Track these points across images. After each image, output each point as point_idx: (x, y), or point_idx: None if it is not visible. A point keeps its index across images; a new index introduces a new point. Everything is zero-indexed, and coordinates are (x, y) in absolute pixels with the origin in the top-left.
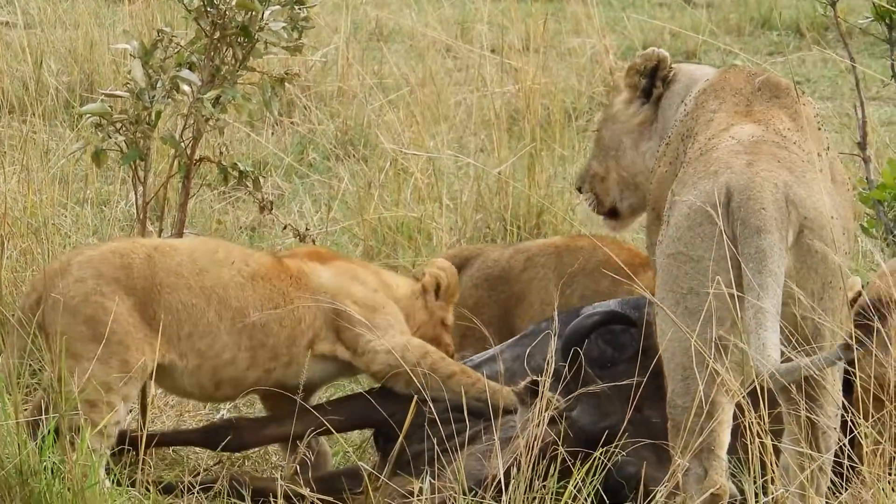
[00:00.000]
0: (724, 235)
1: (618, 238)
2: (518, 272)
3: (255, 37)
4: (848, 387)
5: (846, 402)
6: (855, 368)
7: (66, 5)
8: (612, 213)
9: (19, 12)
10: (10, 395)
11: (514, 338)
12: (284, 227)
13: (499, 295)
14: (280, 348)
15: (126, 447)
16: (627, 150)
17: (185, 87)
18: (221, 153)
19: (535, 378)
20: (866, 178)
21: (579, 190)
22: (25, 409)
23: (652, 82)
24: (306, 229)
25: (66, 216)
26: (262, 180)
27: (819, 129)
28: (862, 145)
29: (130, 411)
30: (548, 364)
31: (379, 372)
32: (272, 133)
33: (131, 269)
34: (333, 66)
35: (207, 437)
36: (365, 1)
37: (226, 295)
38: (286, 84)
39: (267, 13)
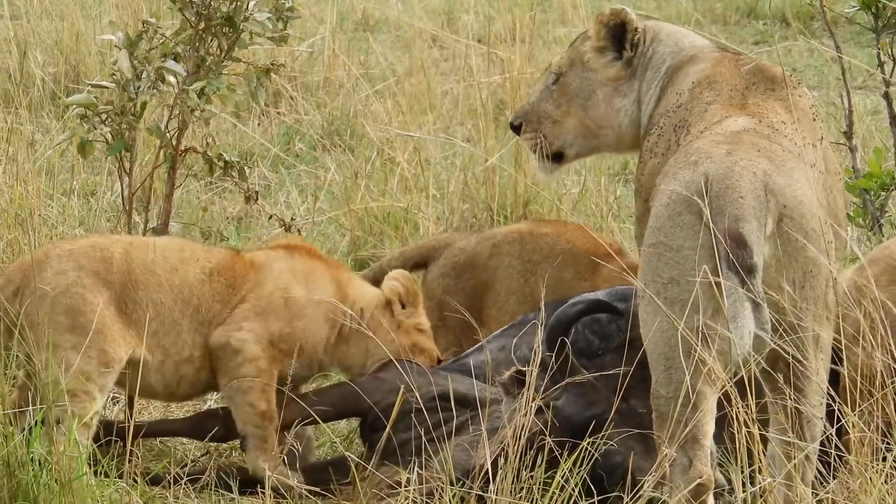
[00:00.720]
0: (710, 224)
1: (585, 226)
2: (485, 259)
3: (241, 27)
4: (835, 377)
5: (833, 392)
6: (842, 358)
7: None
8: (557, 157)
9: (5, 3)
10: None
11: (500, 329)
12: (270, 218)
13: (466, 283)
14: None
15: (113, 438)
16: (600, 103)
17: (171, 78)
18: (207, 144)
19: (520, 368)
20: (852, 168)
21: (516, 129)
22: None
23: (619, 39)
24: (292, 219)
25: (52, 207)
26: (248, 171)
27: (814, 119)
28: (848, 134)
29: (117, 403)
30: (535, 354)
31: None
32: (258, 123)
33: (111, 263)
34: (320, 56)
35: (194, 427)
36: None
37: (189, 293)
38: (272, 74)
39: (252, 3)
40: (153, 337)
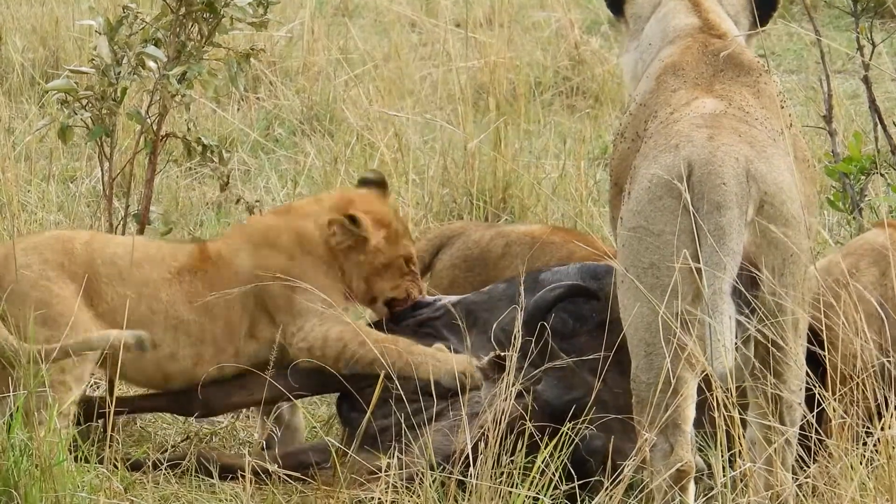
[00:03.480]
0: (690, 209)
1: (588, 234)
2: (496, 258)
3: (221, 12)
4: (817, 362)
5: (813, 377)
6: (824, 343)
7: None
8: None
9: None
10: None
11: (469, 295)
12: (237, 201)
13: (475, 277)
14: (221, 342)
15: (94, 423)
16: (621, 53)
17: (151, 64)
18: (188, 129)
19: (499, 353)
20: (832, 152)
21: None
22: None
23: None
24: (256, 201)
25: (31, 193)
26: (227, 155)
27: (782, 106)
28: (828, 118)
29: (97, 389)
30: (514, 338)
31: (308, 365)
32: (238, 109)
33: (73, 254)
34: (299, 41)
35: (175, 402)
36: None
37: (157, 291)
38: (252, 60)
39: None
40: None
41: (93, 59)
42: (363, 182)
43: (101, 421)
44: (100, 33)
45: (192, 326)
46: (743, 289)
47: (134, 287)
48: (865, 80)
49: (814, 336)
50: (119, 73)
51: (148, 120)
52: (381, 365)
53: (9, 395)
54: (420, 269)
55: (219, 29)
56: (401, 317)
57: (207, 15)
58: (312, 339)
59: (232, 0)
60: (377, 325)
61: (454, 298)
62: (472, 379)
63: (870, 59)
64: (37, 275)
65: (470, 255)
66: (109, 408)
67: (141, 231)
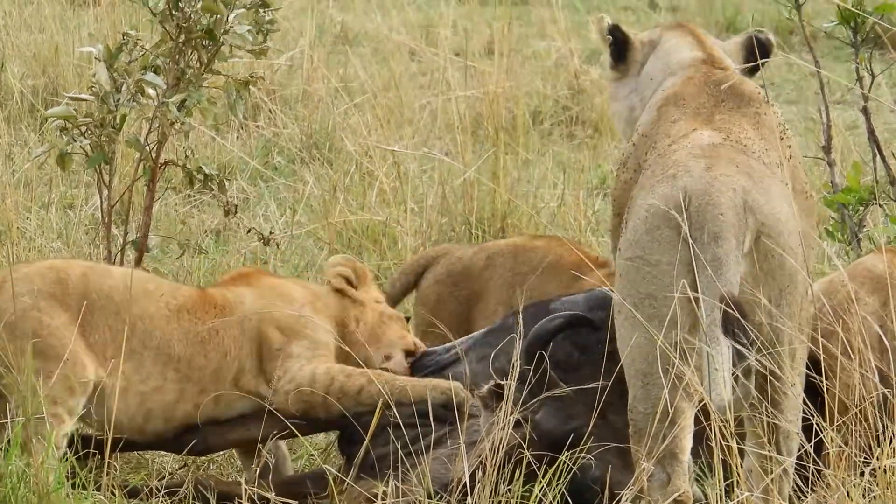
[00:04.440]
0: (689, 240)
1: (569, 241)
2: (479, 270)
3: (220, 40)
4: (815, 392)
5: (811, 407)
6: (821, 373)
7: (31, 9)
8: None
9: None
10: None
11: (480, 331)
12: (248, 231)
13: (460, 292)
14: (206, 383)
15: (91, 451)
16: (611, 101)
17: (151, 91)
18: (187, 157)
19: (499, 382)
20: (831, 182)
21: None
22: None
23: (619, 48)
24: (270, 233)
25: (30, 220)
26: (227, 184)
27: (782, 137)
28: (826, 149)
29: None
30: (513, 367)
31: (297, 411)
32: (237, 137)
33: (66, 284)
34: (298, 69)
35: (173, 439)
36: (330, 4)
37: (151, 326)
38: (251, 87)
39: (232, 16)
40: (112, 362)
41: (92, 87)
42: None
43: (97, 452)
44: (99, 60)
45: (182, 364)
46: (741, 319)
47: (128, 319)
48: (864, 110)
49: (813, 365)
50: (118, 100)
51: (147, 147)
52: (368, 394)
53: (6, 423)
54: (404, 287)
55: (218, 56)
56: (415, 368)
57: (207, 42)
58: (301, 378)
59: (231, 27)
60: None
61: (469, 341)
62: (459, 399)
63: (869, 91)
64: (27, 305)
65: (454, 270)
66: (106, 434)
67: (140, 258)
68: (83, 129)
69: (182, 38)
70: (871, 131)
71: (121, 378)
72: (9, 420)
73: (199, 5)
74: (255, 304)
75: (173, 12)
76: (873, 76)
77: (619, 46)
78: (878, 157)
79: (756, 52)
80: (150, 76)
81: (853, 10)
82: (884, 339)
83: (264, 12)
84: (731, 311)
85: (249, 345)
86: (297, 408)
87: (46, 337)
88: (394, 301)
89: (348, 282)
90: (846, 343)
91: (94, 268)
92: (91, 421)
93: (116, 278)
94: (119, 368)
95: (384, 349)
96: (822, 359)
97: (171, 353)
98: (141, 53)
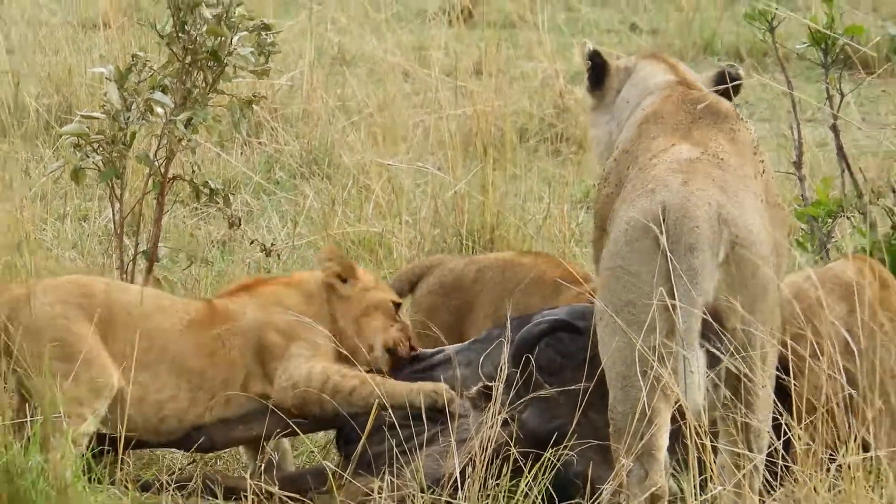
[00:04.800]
0: (667, 251)
1: (555, 257)
2: (469, 282)
3: (225, 61)
4: (784, 392)
5: (781, 406)
6: (790, 374)
7: (45, 32)
8: None
9: (1, 38)
10: None
11: (467, 341)
12: (251, 242)
13: (451, 302)
14: (217, 390)
15: (106, 448)
16: (589, 127)
17: (159, 109)
18: (194, 172)
19: (487, 384)
20: (801, 196)
21: None
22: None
23: (598, 73)
24: (272, 244)
25: (46, 231)
26: (231, 197)
27: (755, 153)
28: (797, 165)
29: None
30: (500, 370)
31: (293, 406)
32: (241, 153)
33: (91, 297)
34: (299, 89)
35: (181, 438)
36: (328, 28)
37: (166, 340)
38: (253, 106)
39: (235, 39)
40: (128, 372)
41: (104, 105)
42: None
43: (111, 449)
44: (110, 80)
45: (194, 375)
46: (716, 324)
47: (146, 334)
48: (834, 128)
49: (783, 366)
50: (128, 118)
51: (156, 163)
52: (360, 395)
53: (27, 422)
54: (398, 293)
55: (222, 77)
56: (402, 367)
57: (212, 63)
58: (297, 376)
59: (235, 49)
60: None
61: (457, 347)
62: (448, 399)
63: (838, 109)
64: (56, 313)
65: (446, 281)
66: (120, 431)
67: (150, 267)
68: (95, 145)
69: (188, 59)
70: (839, 148)
71: (139, 388)
72: (28, 419)
73: (204, 28)
74: (255, 314)
75: (180, 35)
76: (842, 95)
77: (598, 71)
78: (846, 173)
79: (729, 87)
80: (158, 95)
81: (824, 32)
82: (850, 342)
83: (266, 35)
84: (706, 317)
85: (253, 351)
86: (294, 403)
87: (74, 343)
88: None
89: (339, 276)
90: (814, 346)
91: (114, 284)
92: (108, 422)
93: (134, 295)
94: (132, 378)
95: (365, 341)
96: (791, 361)
97: (185, 365)
98: (149, 74)
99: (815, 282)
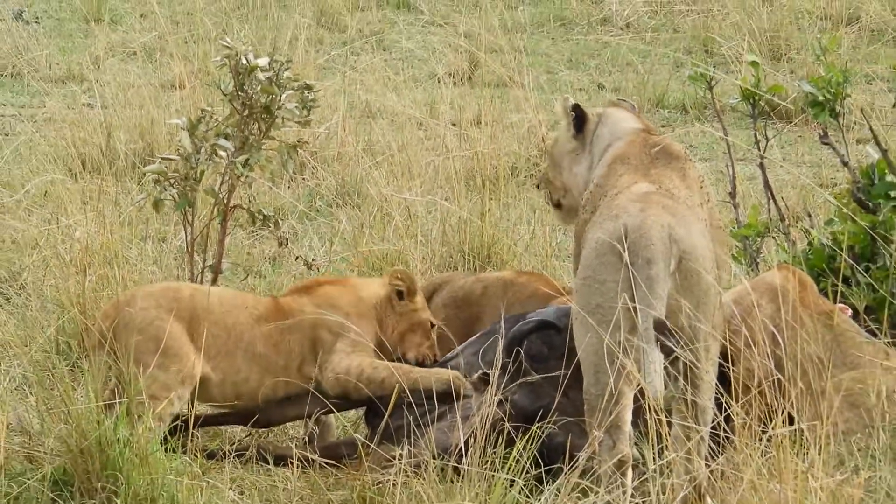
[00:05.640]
0: (629, 264)
1: (544, 275)
2: (477, 297)
3: (275, 114)
4: (725, 377)
5: (721, 388)
6: (729, 362)
7: (132, 91)
8: (558, 206)
9: (97, 96)
10: (92, 386)
11: (474, 336)
12: (296, 258)
13: (461, 314)
14: (279, 373)
15: (180, 424)
16: (565, 169)
17: (222, 153)
18: (250, 202)
19: (486, 371)
20: (736, 220)
21: (538, 187)
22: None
23: (580, 120)
24: (313, 259)
25: (132, 250)
26: (280, 222)
27: (701, 186)
28: (732, 195)
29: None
30: (496, 360)
31: (332, 389)
32: (288, 187)
33: (181, 301)
34: (334, 136)
35: (241, 417)
36: (357, 87)
37: (241, 330)
38: (298, 150)
39: (283, 96)
40: (213, 360)
41: (178, 149)
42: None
43: (184, 423)
44: (184, 129)
45: (262, 360)
46: (668, 323)
47: (224, 328)
48: (761, 166)
49: (724, 356)
50: (198, 159)
51: (220, 195)
52: (389, 383)
53: (115, 403)
54: None
55: (273, 126)
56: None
57: (265, 116)
58: (340, 369)
59: (283, 104)
60: None
61: (466, 344)
62: (457, 385)
63: (764, 151)
64: (153, 315)
65: (456, 297)
66: (191, 412)
67: (215, 279)
68: (172, 181)
69: (246, 112)
70: (766, 182)
71: (220, 372)
72: (117, 401)
73: (258, 88)
74: (311, 312)
75: (239, 93)
76: (767, 140)
77: (579, 120)
78: (771, 202)
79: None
80: (222, 142)
81: (752, 90)
82: (777, 335)
83: (307, 93)
84: (660, 317)
85: (308, 343)
86: (336, 390)
87: (166, 339)
88: None
89: (399, 294)
90: (748, 339)
91: (199, 288)
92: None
93: (214, 296)
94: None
95: (402, 350)
96: (729, 351)
97: (255, 351)
98: (215, 124)
99: (749, 288)
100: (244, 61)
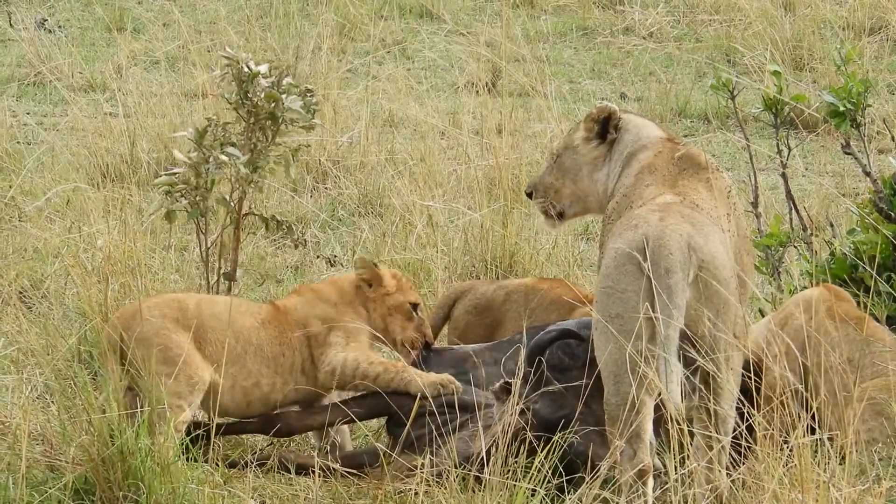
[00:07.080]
0: (649, 273)
1: (568, 282)
2: (499, 304)
3: (280, 120)
4: (747, 388)
5: (743, 398)
6: (757, 375)
7: (155, 100)
8: (560, 216)
9: (120, 105)
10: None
11: (492, 342)
12: (318, 257)
13: (484, 320)
14: (287, 375)
15: (201, 433)
16: (584, 177)
17: (227, 158)
18: (270, 214)
19: (507, 380)
20: (758, 230)
21: (529, 195)
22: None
23: (605, 128)
24: (335, 257)
25: (155, 258)
26: (301, 229)
27: (728, 197)
28: (755, 204)
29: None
30: (518, 369)
31: (327, 383)
32: (311, 195)
33: (186, 311)
34: (357, 145)
35: (263, 426)
36: (380, 97)
37: (248, 336)
38: (300, 154)
39: (288, 99)
40: (219, 367)
41: (188, 160)
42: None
43: (206, 432)
44: (190, 139)
45: (271, 362)
46: (689, 332)
47: (232, 333)
48: (783, 175)
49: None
50: (207, 168)
51: (231, 204)
52: (382, 380)
53: (138, 412)
54: (442, 319)
55: (279, 133)
56: (431, 360)
57: (269, 123)
58: (336, 363)
59: (287, 107)
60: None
61: (480, 346)
62: (448, 390)
63: (786, 160)
64: (159, 326)
65: (479, 304)
66: (212, 422)
67: (230, 286)
68: (182, 192)
69: (252, 120)
70: (788, 191)
71: (230, 378)
72: (138, 410)
73: (262, 95)
74: (303, 308)
75: (244, 101)
76: (790, 149)
77: (605, 126)
78: (793, 211)
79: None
80: (229, 149)
81: (774, 99)
82: (806, 347)
83: (310, 96)
84: (681, 326)
85: (304, 340)
86: (331, 384)
87: (174, 348)
88: (435, 330)
89: (366, 282)
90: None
91: (205, 298)
92: (206, 408)
93: (220, 304)
94: (223, 371)
95: (388, 336)
96: (752, 362)
97: (264, 355)
98: (222, 133)
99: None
100: (246, 69)
